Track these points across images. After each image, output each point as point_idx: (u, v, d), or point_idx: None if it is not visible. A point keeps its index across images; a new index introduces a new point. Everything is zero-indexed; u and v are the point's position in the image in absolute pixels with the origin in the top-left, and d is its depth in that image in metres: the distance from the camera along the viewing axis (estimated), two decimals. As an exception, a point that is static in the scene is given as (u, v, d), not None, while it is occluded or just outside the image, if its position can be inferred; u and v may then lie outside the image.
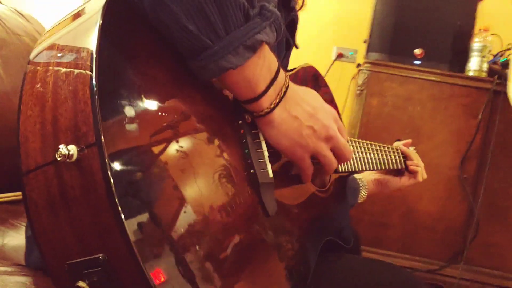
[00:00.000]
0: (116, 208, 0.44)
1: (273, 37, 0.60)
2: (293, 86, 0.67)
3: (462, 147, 2.04)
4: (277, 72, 0.64)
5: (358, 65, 2.36)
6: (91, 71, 0.48)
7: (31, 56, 0.55)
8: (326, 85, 1.04)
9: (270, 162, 0.69)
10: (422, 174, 1.22)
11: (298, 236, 0.75)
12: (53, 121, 0.49)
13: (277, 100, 0.64)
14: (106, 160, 0.45)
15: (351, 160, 0.93)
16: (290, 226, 0.73)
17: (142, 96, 0.52)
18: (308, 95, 0.70)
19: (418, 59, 2.11)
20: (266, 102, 0.63)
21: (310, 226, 0.80)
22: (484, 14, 2.48)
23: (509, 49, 2.20)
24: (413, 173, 1.22)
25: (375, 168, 1.06)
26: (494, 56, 2.21)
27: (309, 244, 0.78)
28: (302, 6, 1.03)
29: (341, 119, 0.80)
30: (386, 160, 1.11)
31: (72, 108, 0.47)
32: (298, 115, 0.67)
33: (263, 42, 0.59)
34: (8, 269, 0.75)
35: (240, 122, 0.66)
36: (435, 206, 2.07)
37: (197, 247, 0.52)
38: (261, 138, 0.68)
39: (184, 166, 0.54)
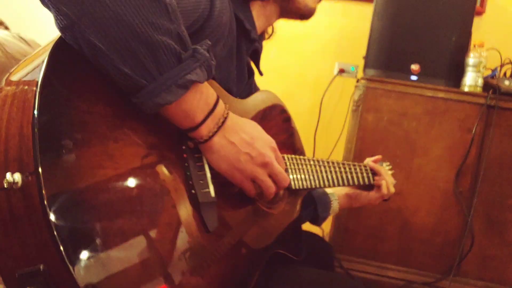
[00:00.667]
0: (50, 227, 0.53)
1: (203, 76, 0.69)
2: (233, 116, 0.76)
3: (457, 161, 2.07)
4: (215, 105, 0.73)
5: (358, 80, 2.41)
6: (34, 110, 0.56)
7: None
8: (288, 120, 1.12)
9: (216, 183, 0.76)
10: (386, 188, 1.27)
11: (240, 250, 0.82)
12: (5, 152, 0.57)
13: (215, 129, 0.74)
14: (42, 186, 0.53)
15: (307, 179, 1.01)
16: (232, 241, 0.81)
17: (82, 129, 0.60)
18: (247, 125, 0.79)
19: (415, 75, 2.15)
20: (204, 130, 0.73)
21: (255, 240, 0.87)
22: (481, 29, 2.52)
23: (508, 63, 2.22)
24: (378, 187, 1.27)
25: (335, 185, 1.12)
26: (493, 70, 2.24)
27: (252, 257, 0.85)
28: (271, 35, 1.12)
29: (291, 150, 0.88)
30: (350, 177, 1.17)
31: (18, 142, 0.56)
32: (236, 142, 0.76)
33: (193, 81, 0.67)
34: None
35: (184, 147, 0.74)
36: (431, 219, 2.11)
37: (134, 259, 0.60)
38: (204, 161, 0.76)
39: (121, 188, 0.63)
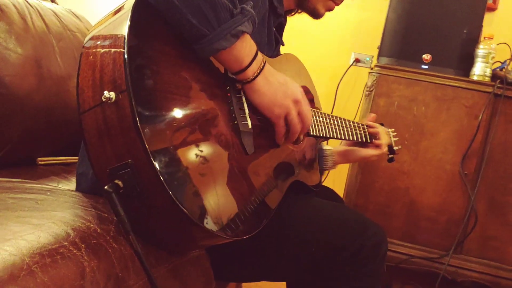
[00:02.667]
0: (137, 128, 0.70)
1: (250, 28, 0.87)
2: (268, 65, 0.95)
3: (463, 145, 2.19)
4: (256, 53, 0.91)
5: (371, 69, 2.55)
6: (124, 48, 0.73)
7: (84, 42, 0.82)
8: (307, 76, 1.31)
9: (253, 118, 0.94)
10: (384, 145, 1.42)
11: (269, 172, 1.00)
12: (100, 78, 0.75)
13: (258, 72, 0.92)
14: (132, 100, 0.71)
15: (322, 127, 1.16)
16: (263, 165, 0.99)
17: (158, 64, 0.78)
18: (280, 74, 0.98)
19: (426, 64, 2.29)
20: (250, 72, 0.90)
21: (280, 166, 1.04)
22: (493, 24, 2.64)
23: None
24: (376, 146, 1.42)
25: (343, 137, 1.26)
26: (502, 63, 2.36)
27: (278, 178, 1.03)
28: (295, 13, 1.29)
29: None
30: (353, 133, 1.32)
31: (112, 69, 0.74)
32: (274, 82, 0.95)
33: (244, 32, 0.85)
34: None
35: (228, 88, 0.91)
36: (437, 199, 2.23)
37: (195, 159, 0.78)
38: (244, 100, 0.94)
39: (188, 105, 0.81)
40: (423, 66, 2.29)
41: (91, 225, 0.73)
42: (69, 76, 1.53)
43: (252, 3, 0.90)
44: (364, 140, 1.40)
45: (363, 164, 2.28)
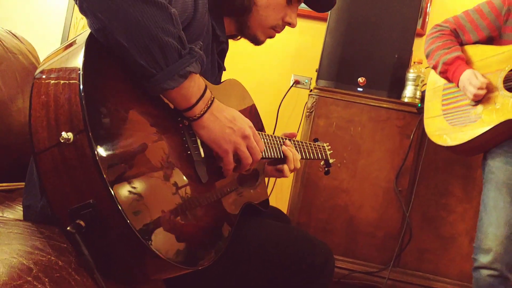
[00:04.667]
0: (98, 167, 0.73)
1: (198, 68, 0.92)
2: (218, 102, 1.00)
3: (397, 163, 2.32)
4: (204, 90, 0.95)
5: (311, 90, 2.65)
6: (79, 87, 0.76)
7: (36, 75, 0.83)
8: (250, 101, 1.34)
9: (205, 149, 0.99)
10: (292, 161, 1.34)
11: (224, 198, 1.06)
12: (55, 118, 0.77)
13: (205, 109, 0.96)
14: (91, 140, 0.73)
15: (272, 150, 1.22)
16: (219, 191, 1.04)
17: (112, 101, 0.81)
18: (229, 108, 1.03)
19: (361, 87, 2.41)
20: (197, 110, 0.94)
21: (234, 191, 1.10)
22: (422, 49, 2.80)
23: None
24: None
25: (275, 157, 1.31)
26: (430, 85, 2.52)
27: (232, 203, 1.09)
28: (239, 38, 1.35)
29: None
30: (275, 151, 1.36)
31: (68, 110, 0.76)
32: (221, 119, 0.99)
33: (191, 72, 0.89)
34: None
35: (179, 118, 0.96)
36: (374, 214, 2.34)
37: (154, 192, 0.82)
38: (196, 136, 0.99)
39: (143, 140, 0.84)
40: (359, 89, 2.41)
41: (52, 258, 0.74)
42: (11, 99, 1.51)
43: (201, 43, 0.94)
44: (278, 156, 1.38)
45: (305, 181, 2.36)
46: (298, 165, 1.36)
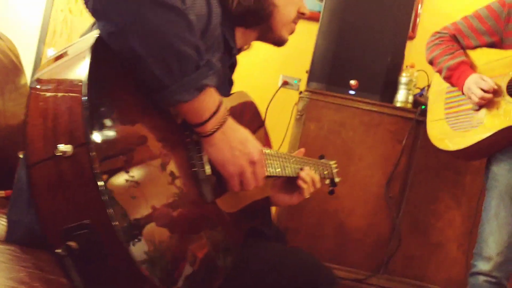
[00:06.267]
0: (96, 186, 0.65)
1: (215, 82, 0.85)
2: (231, 121, 0.93)
3: (388, 169, 2.30)
4: (219, 107, 0.88)
5: (301, 92, 2.60)
6: (82, 96, 0.69)
7: (31, 83, 0.76)
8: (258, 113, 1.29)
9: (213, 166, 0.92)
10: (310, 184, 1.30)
11: (230, 220, 1.00)
12: (53, 128, 0.70)
13: (217, 127, 0.89)
14: (93, 155, 0.66)
15: (282, 169, 1.16)
16: (223, 211, 0.97)
17: (117, 112, 0.74)
18: (242, 130, 0.96)
19: (353, 90, 2.37)
20: (209, 126, 0.88)
21: (240, 212, 1.03)
22: (412, 52, 2.79)
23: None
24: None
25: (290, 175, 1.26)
26: (421, 89, 2.50)
27: (238, 224, 1.03)
28: (249, 48, 1.29)
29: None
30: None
31: (68, 120, 0.69)
32: (232, 140, 0.92)
33: (208, 86, 0.83)
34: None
35: (187, 133, 0.89)
36: (364, 220, 2.32)
37: (156, 214, 0.76)
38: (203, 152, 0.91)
39: (148, 156, 0.78)
40: (351, 92, 2.37)
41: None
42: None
43: (219, 55, 0.88)
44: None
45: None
46: (319, 186, 1.31)
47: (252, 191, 1.12)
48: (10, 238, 0.96)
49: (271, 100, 2.74)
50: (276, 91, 2.75)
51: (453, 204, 2.31)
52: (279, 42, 1.27)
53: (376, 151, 2.31)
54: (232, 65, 1.27)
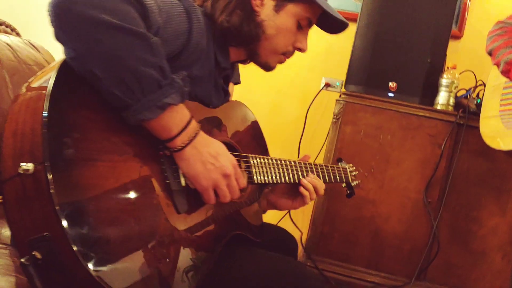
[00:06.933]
0: (53, 203, 0.71)
1: (178, 100, 0.88)
2: (203, 134, 0.96)
3: (427, 173, 2.23)
4: (188, 123, 0.92)
5: (340, 95, 2.57)
6: (42, 117, 0.74)
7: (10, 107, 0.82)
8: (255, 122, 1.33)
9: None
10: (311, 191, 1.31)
11: (206, 230, 1.02)
12: (20, 147, 0.76)
13: (188, 142, 0.92)
14: (49, 173, 0.72)
15: (267, 174, 1.17)
16: (199, 222, 1.00)
17: (81, 131, 0.79)
18: (215, 143, 0.99)
19: (392, 92, 2.32)
20: (178, 141, 0.91)
21: (219, 222, 1.06)
22: (459, 52, 2.68)
23: (481, 84, 2.38)
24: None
25: (286, 182, 1.26)
26: (467, 90, 2.40)
27: (215, 236, 1.04)
28: (248, 62, 1.31)
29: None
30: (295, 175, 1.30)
31: (31, 139, 0.75)
32: (204, 153, 0.95)
33: (170, 104, 0.86)
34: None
35: (161, 146, 0.92)
36: (401, 226, 2.26)
37: (118, 227, 0.80)
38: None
39: (110, 173, 0.81)
40: (390, 94, 2.32)
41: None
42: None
43: (184, 73, 0.91)
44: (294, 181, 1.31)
45: (329, 191, 2.30)
46: (322, 193, 1.33)
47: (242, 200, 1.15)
48: (13, 243, 1.04)
49: (312, 102, 2.73)
50: (317, 93, 2.74)
51: (498, 211, 2.21)
52: (264, 67, 1.28)
53: (415, 155, 2.25)
54: (227, 77, 1.30)
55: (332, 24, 1.26)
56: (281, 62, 1.28)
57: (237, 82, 2.50)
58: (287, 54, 1.26)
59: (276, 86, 2.92)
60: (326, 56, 2.87)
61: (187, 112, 0.93)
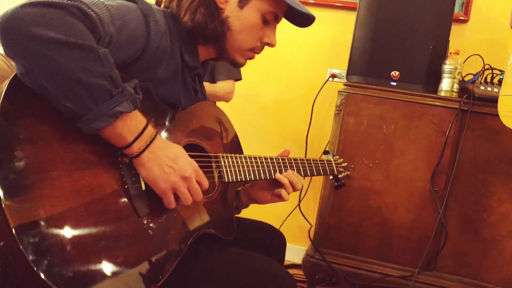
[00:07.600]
0: (3, 212, 0.74)
1: (130, 108, 0.90)
2: (160, 139, 0.99)
3: (433, 162, 2.20)
4: (144, 129, 0.94)
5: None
6: None
7: None
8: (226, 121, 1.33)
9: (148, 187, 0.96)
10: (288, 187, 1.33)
11: (169, 232, 1.03)
12: None
13: (144, 147, 0.94)
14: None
15: (237, 173, 1.20)
16: (162, 225, 1.01)
17: (33, 143, 0.82)
18: (173, 147, 1.01)
19: (394, 81, 2.29)
20: (135, 148, 0.94)
21: (184, 223, 1.08)
22: (465, 36, 2.63)
23: (488, 68, 2.32)
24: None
25: (258, 178, 1.28)
26: (474, 75, 2.35)
27: (180, 238, 1.05)
28: (218, 60, 1.32)
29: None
30: (267, 171, 1.32)
31: None
32: (161, 157, 0.97)
33: (122, 112, 0.88)
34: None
35: (119, 152, 0.95)
36: (408, 216, 2.24)
37: (73, 233, 0.82)
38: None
39: (67, 182, 0.84)
40: (392, 83, 2.29)
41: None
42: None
43: (136, 81, 0.93)
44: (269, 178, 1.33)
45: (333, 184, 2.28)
46: (299, 187, 1.34)
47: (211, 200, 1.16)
48: None
49: (318, 93, 2.72)
50: (323, 85, 2.73)
51: (507, 197, 2.16)
52: (233, 64, 1.28)
53: (419, 144, 2.22)
54: (198, 76, 1.31)
55: (299, 17, 1.26)
56: (250, 58, 1.28)
57: (238, 78, 2.51)
58: (255, 50, 1.27)
59: (282, 79, 2.92)
60: (331, 47, 2.84)
61: (143, 119, 0.95)
